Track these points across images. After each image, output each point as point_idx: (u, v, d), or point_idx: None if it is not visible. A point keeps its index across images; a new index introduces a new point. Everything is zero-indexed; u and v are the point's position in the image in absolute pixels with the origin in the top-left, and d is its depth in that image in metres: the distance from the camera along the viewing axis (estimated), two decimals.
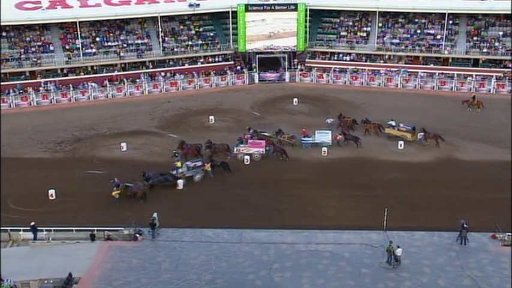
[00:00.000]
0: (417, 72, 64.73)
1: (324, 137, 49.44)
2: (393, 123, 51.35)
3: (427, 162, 46.34)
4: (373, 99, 60.17)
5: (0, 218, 37.21)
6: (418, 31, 67.10)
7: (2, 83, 60.69)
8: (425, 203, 39.71)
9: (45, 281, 32.10)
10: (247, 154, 46.82)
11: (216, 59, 67.77)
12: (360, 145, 48.94)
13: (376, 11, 66.54)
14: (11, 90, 60.36)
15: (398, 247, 32.93)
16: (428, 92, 62.82)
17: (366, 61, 66.94)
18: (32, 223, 36.21)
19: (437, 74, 64.21)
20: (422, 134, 49.67)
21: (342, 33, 68.57)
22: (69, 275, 31.95)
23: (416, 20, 67.83)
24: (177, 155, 45.80)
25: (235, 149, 47.20)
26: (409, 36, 66.89)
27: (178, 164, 43.22)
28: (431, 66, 65.06)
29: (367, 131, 51.56)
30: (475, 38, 65.09)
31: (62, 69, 63.38)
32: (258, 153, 47.04)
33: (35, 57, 62.64)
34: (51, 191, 41.10)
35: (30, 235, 36.19)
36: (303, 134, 50.04)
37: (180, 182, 42.50)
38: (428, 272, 32.42)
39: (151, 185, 41.75)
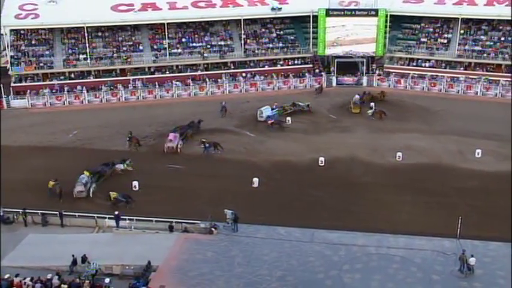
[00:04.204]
0: (499, 80, 63.16)
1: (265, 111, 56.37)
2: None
3: (505, 172, 44.97)
4: (451, 106, 59.21)
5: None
6: (502, 38, 65.33)
7: (96, 79, 64.33)
8: (501, 214, 38.61)
9: (127, 267, 33.38)
10: None
11: (295, 62, 68.72)
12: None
13: (458, 18, 65.48)
14: (102, 86, 63.60)
15: (472, 256, 32.39)
16: (510, 100, 61.03)
17: (445, 68, 65.92)
18: (116, 212, 38.14)
19: None
20: (372, 110, 56.51)
21: (422, 40, 67.81)
22: (148, 262, 33.11)
23: (500, 27, 66.05)
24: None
25: None
26: (492, 43, 65.32)
27: (86, 172, 43.41)
28: None
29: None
30: None
31: (149, 68, 66.12)
32: None
33: (125, 56, 65.63)
34: (135, 183, 43.06)
35: (114, 223, 38.03)
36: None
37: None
38: (502, 284, 31.61)
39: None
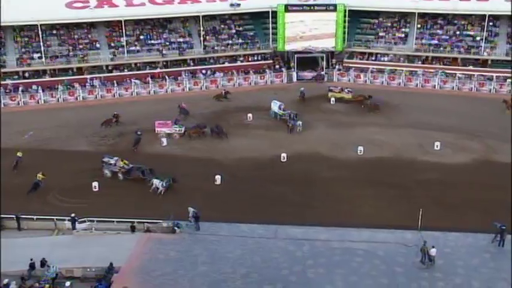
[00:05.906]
0: (455, 73, 64.41)
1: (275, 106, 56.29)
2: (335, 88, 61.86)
3: (463, 164, 46.21)
4: (410, 99, 60.02)
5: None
6: (457, 32, 66.70)
7: (52, 78, 63.02)
8: (460, 204, 39.60)
9: (88, 269, 33.04)
10: None
11: (255, 58, 68.66)
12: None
13: (415, 12, 66.45)
14: (59, 86, 62.36)
15: (432, 247, 33.03)
16: (466, 93, 62.55)
17: (403, 62, 66.95)
18: (72, 215, 37.34)
19: (476, 76, 63.79)
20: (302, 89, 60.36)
21: (381, 34, 68.71)
22: (110, 264, 32.78)
23: (455, 22, 67.39)
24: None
25: None
26: (448, 37, 66.59)
27: (121, 162, 44.77)
28: (470, 67, 64.66)
29: None
30: None
31: (107, 66, 65.12)
32: None
33: (82, 54, 64.51)
34: (95, 183, 42.41)
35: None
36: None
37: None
38: (462, 273, 32.37)
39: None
